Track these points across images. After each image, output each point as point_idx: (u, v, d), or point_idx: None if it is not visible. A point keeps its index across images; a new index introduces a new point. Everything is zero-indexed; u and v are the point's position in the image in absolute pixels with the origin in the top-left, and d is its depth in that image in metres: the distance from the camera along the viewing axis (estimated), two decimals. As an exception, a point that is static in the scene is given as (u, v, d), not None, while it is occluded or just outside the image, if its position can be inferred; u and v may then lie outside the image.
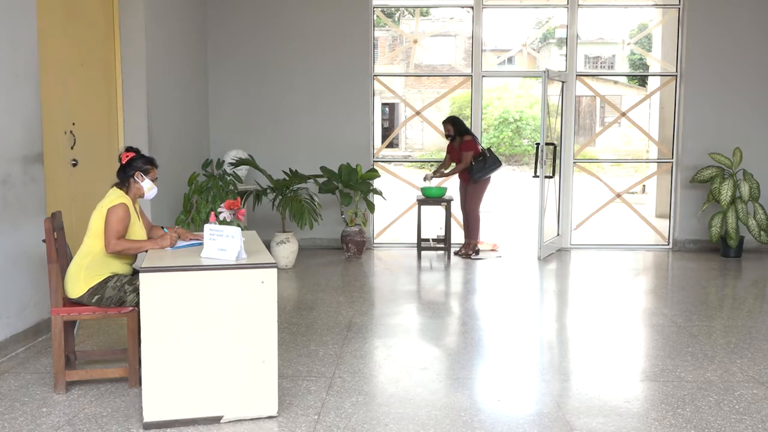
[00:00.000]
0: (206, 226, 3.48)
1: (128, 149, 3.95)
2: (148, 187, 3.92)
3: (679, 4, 8.11)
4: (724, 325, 5.20)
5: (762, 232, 7.65)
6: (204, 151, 7.85)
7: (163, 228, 4.07)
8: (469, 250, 7.76)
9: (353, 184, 7.53)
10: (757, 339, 4.79)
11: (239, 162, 7.14)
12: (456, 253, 7.80)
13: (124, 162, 3.88)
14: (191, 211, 6.32)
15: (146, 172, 3.90)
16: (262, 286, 3.32)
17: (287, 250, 7.07)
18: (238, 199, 4.27)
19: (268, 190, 7.19)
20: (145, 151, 5.99)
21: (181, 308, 3.25)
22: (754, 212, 7.69)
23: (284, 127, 8.13)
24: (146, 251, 3.72)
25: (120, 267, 3.85)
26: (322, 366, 4.19)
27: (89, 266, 3.74)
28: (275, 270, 3.36)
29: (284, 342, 4.58)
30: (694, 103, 8.07)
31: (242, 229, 3.54)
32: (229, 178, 6.71)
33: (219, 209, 3.71)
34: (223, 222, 3.63)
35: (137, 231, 3.86)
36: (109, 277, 3.78)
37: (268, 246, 6.18)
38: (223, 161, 7.23)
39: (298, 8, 8.03)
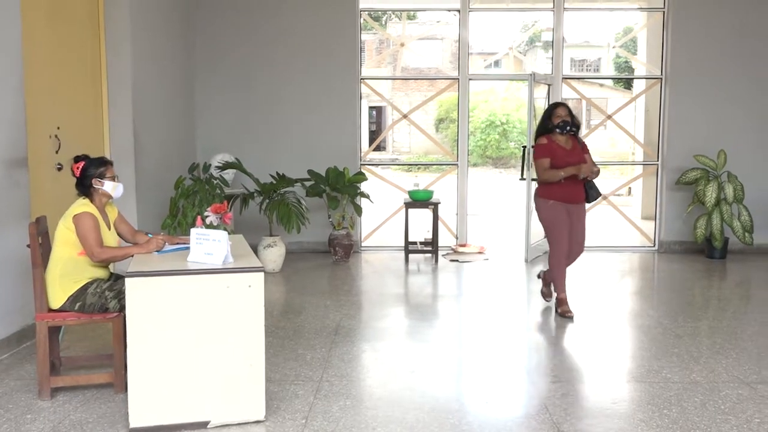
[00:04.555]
0: (193, 230, 3.47)
1: (77, 159, 3.84)
2: (111, 188, 3.83)
3: (664, 8, 8.17)
4: (709, 326, 5.23)
5: (746, 234, 7.72)
6: (190, 154, 7.82)
7: (147, 234, 4.03)
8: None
9: (340, 188, 7.53)
10: (742, 339, 4.83)
11: (226, 165, 7.12)
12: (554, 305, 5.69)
13: (77, 175, 3.80)
14: (178, 215, 6.29)
15: (102, 176, 3.82)
16: (249, 290, 3.31)
17: (274, 253, 7.05)
18: (225, 202, 4.26)
19: (255, 194, 7.17)
20: (130, 155, 6.03)
21: (167, 313, 3.24)
22: (738, 214, 7.75)
23: (271, 131, 8.12)
24: (132, 256, 3.69)
25: (96, 271, 3.81)
26: (310, 370, 4.18)
27: (62, 274, 3.71)
28: (262, 274, 3.35)
29: (271, 346, 4.56)
30: (679, 105, 8.13)
31: (229, 233, 3.53)
32: (215, 182, 6.68)
33: (205, 213, 3.70)
34: (210, 226, 3.62)
35: (107, 239, 3.81)
36: (88, 283, 3.75)
37: (255, 250, 6.17)
38: (210, 165, 7.20)
39: (285, 12, 8.02)
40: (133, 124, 6.07)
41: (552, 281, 5.62)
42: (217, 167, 7.17)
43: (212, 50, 8.02)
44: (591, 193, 5.48)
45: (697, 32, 8.03)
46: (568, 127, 5.38)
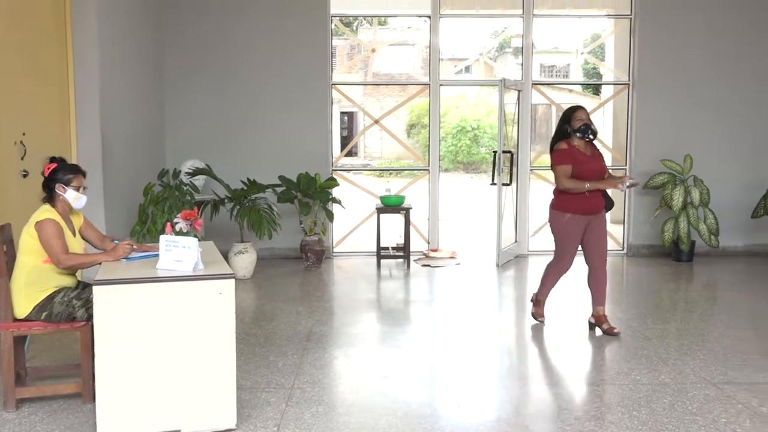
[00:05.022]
0: (162, 237, 3.43)
1: (51, 159, 3.79)
2: (72, 198, 3.77)
3: (631, 15, 8.30)
4: (677, 328, 5.31)
5: (712, 237, 7.85)
6: (160, 161, 7.74)
7: (114, 240, 3.96)
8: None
9: (312, 193, 7.51)
10: (709, 341, 4.91)
11: (196, 172, 7.06)
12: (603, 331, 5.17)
13: (46, 175, 3.75)
14: (147, 222, 6.22)
15: (68, 183, 3.75)
16: (219, 297, 3.28)
17: (245, 260, 7.00)
18: (195, 209, 4.22)
19: (226, 200, 7.12)
20: (98, 161, 5.94)
21: (136, 321, 3.20)
22: (704, 217, 7.89)
23: (242, 137, 8.07)
24: (100, 264, 3.64)
25: (63, 279, 3.75)
26: (282, 377, 4.16)
27: (28, 283, 3.64)
28: (233, 281, 3.33)
29: (243, 353, 4.52)
30: (646, 111, 8.26)
31: (199, 240, 3.50)
32: (185, 189, 6.62)
33: (175, 220, 3.66)
34: (180, 233, 3.58)
35: (73, 246, 3.75)
36: (55, 291, 3.68)
37: (226, 256, 6.13)
38: (180, 171, 7.13)
39: (256, 17, 7.98)
40: (101, 129, 5.99)
41: (540, 283, 5.42)
42: (187, 173, 7.11)
43: (182, 55, 7.96)
44: (606, 204, 5.13)
45: (663, 39, 8.17)
46: (589, 132, 5.03)
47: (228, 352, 3.31)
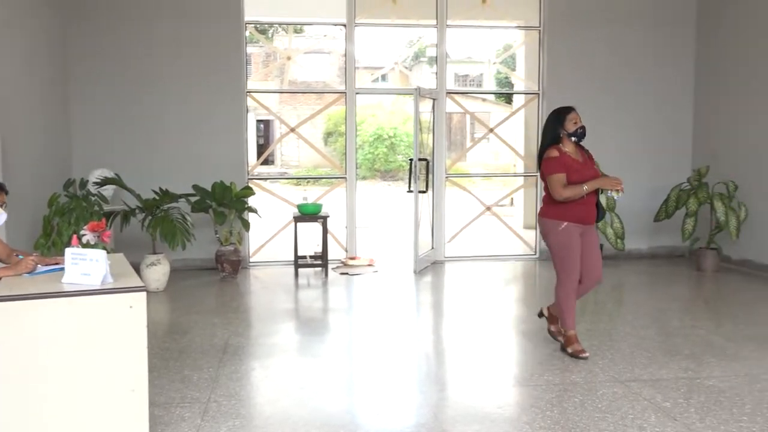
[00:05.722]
0: (68, 250, 3.28)
1: None
2: None
3: (540, 27, 8.58)
4: (586, 328, 5.50)
5: (618, 240, 8.19)
6: (66, 170, 7.42)
7: (17, 255, 3.77)
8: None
9: (227, 203, 7.38)
10: (616, 341, 5.11)
11: (105, 181, 6.82)
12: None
13: None
14: (52, 235, 5.95)
15: None
16: (130, 310, 3.17)
17: (158, 272, 6.81)
18: (103, 220, 4.08)
19: (137, 211, 6.91)
20: (-3, 172, 5.64)
21: (41, 339, 3.04)
22: (611, 221, 8.22)
23: (154, 145, 7.85)
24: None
25: None
26: (197, 391, 4.06)
27: None
28: (144, 293, 3.22)
29: (156, 368, 4.39)
30: (554, 119, 8.52)
31: (108, 252, 3.38)
32: (93, 199, 6.39)
33: (82, 232, 3.52)
34: (87, 245, 3.44)
35: None
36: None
37: (137, 269, 5.93)
38: (87, 181, 6.87)
39: (168, 22, 7.79)
40: (1, 139, 5.70)
41: (560, 315, 4.77)
42: (95, 183, 6.85)
43: (90, 61, 7.67)
44: (599, 212, 4.70)
45: (570, 50, 8.49)
46: (584, 136, 4.63)
47: (140, 367, 3.20)
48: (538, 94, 8.67)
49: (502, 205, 10.91)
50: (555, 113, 4.68)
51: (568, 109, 4.66)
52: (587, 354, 4.63)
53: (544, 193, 4.77)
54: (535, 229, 8.81)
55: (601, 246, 7.66)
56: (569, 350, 4.68)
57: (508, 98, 22.91)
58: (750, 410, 3.73)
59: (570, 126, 4.60)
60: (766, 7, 7.54)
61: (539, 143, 4.79)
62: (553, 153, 4.60)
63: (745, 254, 7.85)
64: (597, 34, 8.49)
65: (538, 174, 4.78)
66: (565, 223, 4.57)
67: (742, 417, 3.64)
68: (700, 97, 8.64)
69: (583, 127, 4.64)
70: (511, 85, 17.44)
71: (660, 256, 8.74)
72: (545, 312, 5.04)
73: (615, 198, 4.63)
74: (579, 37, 8.47)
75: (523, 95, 10.02)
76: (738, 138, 7.99)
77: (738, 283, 7.29)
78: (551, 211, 4.64)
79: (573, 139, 4.62)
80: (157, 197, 6.92)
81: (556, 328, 4.92)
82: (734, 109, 8.06)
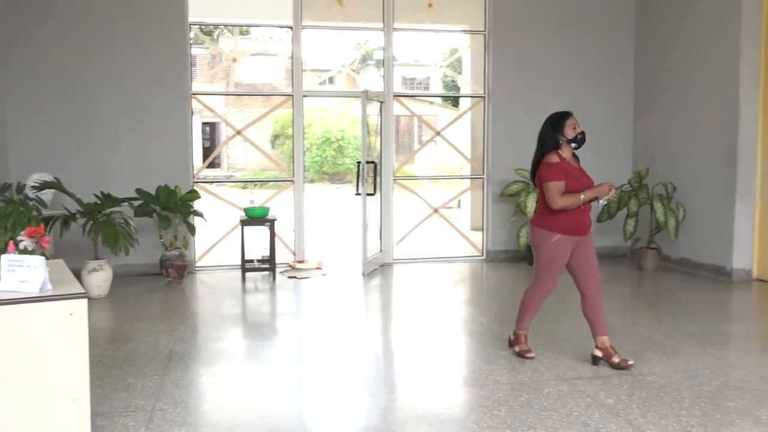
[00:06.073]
0: (3, 257, 3.17)
1: None
2: None
3: (485, 31, 8.70)
4: (533, 328, 5.56)
5: (562, 241, 8.34)
6: (2, 174, 7.17)
7: None
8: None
9: (172, 207, 7.24)
10: (561, 340, 5.21)
11: (43, 185, 6.62)
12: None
13: None
14: (-13, 241, 5.75)
15: None
16: (70, 318, 3.08)
17: (100, 278, 6.64)
18: (42, 225, 3.95)
19: (78, 215, 6.73)
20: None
21: (-26, 349, 2.94)
22: (555, 223, 8.37)
23: (95, 148, 7.66)
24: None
25: None
26: (141, 399, 3.97)
27: None
28: (86, 300, 3.13)
29: (98, 377, 4.27)
30: (500, 122, 8.67)
31: (47, 258, 3.28)
32: (31, 203, 6.19)
33: (19, 237, 3.40)
34: (24, 251, 3.33)
35: None
36: None
37: (78, 275, 5.78)
38: (25, 185, 6.65)
39: (109, 22, 7.61)
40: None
41: (520, 312, 4.77)
42: (33, 187, 6.64)
43: (27, 61, 7.44)
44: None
45: (514, 54, 8.63)
46: (584, 142, 4.51)
47: (81, 376, 3.11)
48: (484, 97, 8.78)
49: (449, 207, 11.00)
50: (553, 119, 4.56)
51: (566, 115, 4.55)
52: (533, 354, 4.69)
53: (537, 201, 4.65)
54: (482, 231, 8.93)
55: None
56: (516, 348, 4.75)
57: (454, 101, 23.15)
58: (689, 404, 3.85)
59: (569, 132, 4.47)
60: (702, 14, 7.81)
61: (536, 149, 4.62)
62: (554, 158, 4.46)
63: (684, 253, 8.10)
64: (541, 38, 8.66)
65: (533, 181, 4.65)
66: (558, 236, 4.45)
67: (681, 411, 3.75)
68: (639, 100, 8.89)
69: (582, 133, 4.50)
70: (458, 89, 17.62)
71: (602, 256, 8.90)
72: (598, 353, 4.58)
73: (602, 204, 4.57)
74: (523, 42, 8.62)
75: (470, 98, 10.13)
76: (675, 141, 8.25)
77: (677, 281, 7.52)
78: (545, 221, 4.51)
79: (573, 145, 4.50)
80: (99, 201, 6.76)
81: (523, 347, 4.71)
82: (672, 113, 8.31)
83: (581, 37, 8.75)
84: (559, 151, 4.48)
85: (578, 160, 4.64)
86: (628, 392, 4.06)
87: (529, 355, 4.68)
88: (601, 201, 4.51)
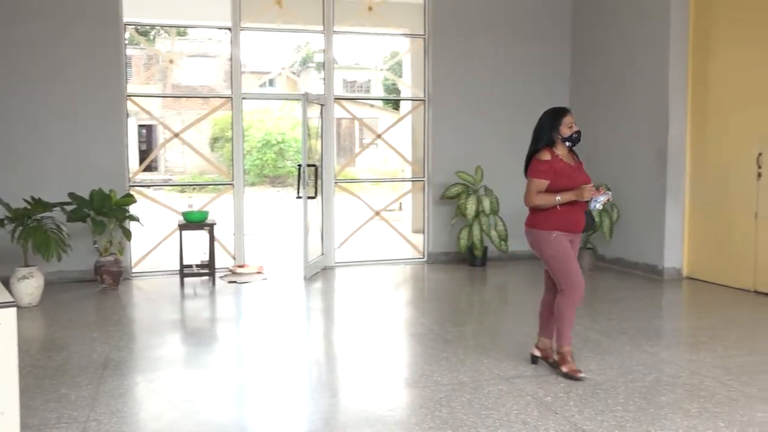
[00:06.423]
0: (-76, 265, 3.04)
1: None
2: None
3: (425, 35, 8.77)
4: (474, 329, 5.66)
5: (502, 242, 8.48)
6: (-76, 178, 6.86)
7: None
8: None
9: (107, 211, 7.05)
10: (501, 339, 5.28)
11: (-31, 190, 6.36)
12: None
13: None
14: None
15: None
16: (-3, 328, 2.96)
17: (31, 286, 6.41)
18: (-33, 231, 3.80)
19: (6, 221, 6.48)
20: None
21: None
22: (495, 224, 8.50)
23: (25, 151, 7.39)
24: None
25: None
26: (74, 410, 3.84)
27: None
28: (14, 309, 3.01)
29: (28, 388, 4.12)
30: (440, 125, 8.75)
31: (-29, 266, 3.15)
32: (-44, 209, 5.94)
33: (-59, 244, 3.26)
34: (-53, 259, 3.19)
35: None
36: None
37: (7, 283, 5.57)
38: (-51, 189, 6.38)
39: (40, 20, 7.35)
40: None
41: (558, 328, 4.39)
42: (-42, 192, 6.37)
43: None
44: (588, 221, 4.42)
45: (453, 58, 8.73)
46: (579, 141, 4.40)
47: (10, 388, 2.99)
48: (424, 100, 8.85)
49: (391, 210, 11.06)
50: (550, 114, 4.40)
51: (563, 111, 4.39)
52: (584, 374, 4.31)
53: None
54: (423, 233, 8.99)
55: (472, 249, 7.87)
56: (564, 369, 4.34)
57: (395, 104, 23.25)
58: (623, 400, 3.96)
59: (565, 130, 4.35)
60: (633, 19, 8.06)
61: (531, 144, 4.46)
62: (545, 156, 4.34)
63: (618, 253, 8.34)
64: (480, 42, 8.79)
65: (526, 177, 4.47)
66: (555, 233, 4.31)
67: (616, 407, 3.85)
68: (575, 102, 9.07)
69: (578, 132, 4.38)
70: (399, 92, 17.71)
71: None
72: (537, 352, 4.59)
73: (598, 206, 4.35)
74: (463, 46, 8.73)
75: (410, 101, 10.20)
76: (610, 142, 8.48)
77: (612, 280, 7.73)
78: (539, 220, 4.37)
79: (568, 144, 4.39)
80: (29, 206, 6.53)
81: (569, 359, 4.37)
82: (606, 115, 8.54)
83: (519, 41, 8.92)
84: (554, 149, 4.38)
85: (576, 156, 4.54)
86: (565, 390, 4.14)
87: (581, 375, 4.28)
88: (597, 203, 4.33)
